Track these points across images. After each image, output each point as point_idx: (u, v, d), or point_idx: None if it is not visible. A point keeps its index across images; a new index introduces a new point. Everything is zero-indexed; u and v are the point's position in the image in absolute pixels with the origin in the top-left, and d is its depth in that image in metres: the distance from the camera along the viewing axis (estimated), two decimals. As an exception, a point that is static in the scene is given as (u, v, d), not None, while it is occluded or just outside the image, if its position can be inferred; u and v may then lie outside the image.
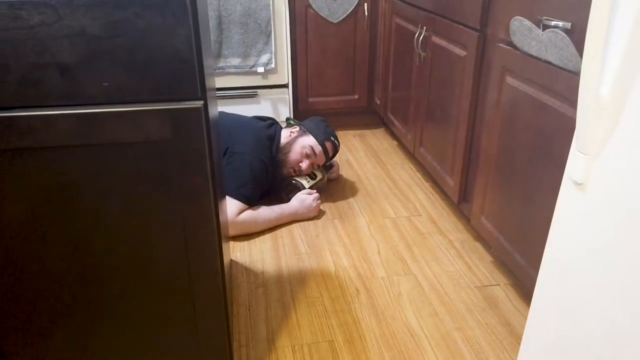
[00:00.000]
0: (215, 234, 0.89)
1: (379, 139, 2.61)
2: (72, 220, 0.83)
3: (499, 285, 1.52)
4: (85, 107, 0.76)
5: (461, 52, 1.58)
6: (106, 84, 0.75)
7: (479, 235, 1.75)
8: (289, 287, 1.50)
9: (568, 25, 1.05)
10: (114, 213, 0.83)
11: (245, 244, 1.71)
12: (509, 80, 1.31)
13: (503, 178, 1.39)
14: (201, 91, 0.79)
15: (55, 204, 0.81)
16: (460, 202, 1.71)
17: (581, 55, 1.03)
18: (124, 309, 0.92)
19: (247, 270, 1.58)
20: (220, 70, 2.34)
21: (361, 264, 1.61)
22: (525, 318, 1.38)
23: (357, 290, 1.49)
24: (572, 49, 1.05)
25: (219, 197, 0.95)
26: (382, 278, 1.54)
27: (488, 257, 1.65)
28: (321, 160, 1.93)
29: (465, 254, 1.66)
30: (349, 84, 2.57)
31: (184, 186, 0.83)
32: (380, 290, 1.49)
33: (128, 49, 0.74)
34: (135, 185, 0.82)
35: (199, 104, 0.78)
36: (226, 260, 1.50)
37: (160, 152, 0.80)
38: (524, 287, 1.46)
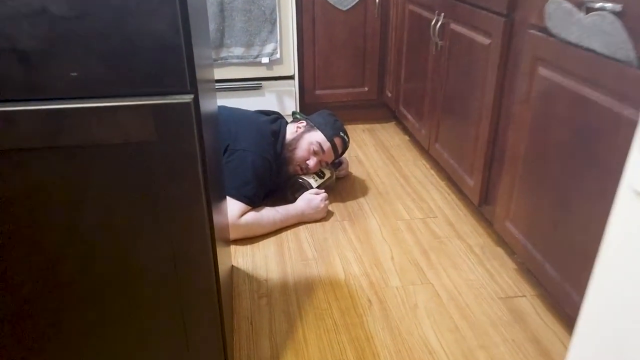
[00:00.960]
0: (208, 248, 0.77)
1: (389, 133, 2.47)
2: (41, 236, 0.70)
3: (525, 296, 1.39)
4: (51, 102, 0.64)
5: (484, 40, 1.44)
6: (75, 74, 0.62)
7: (500, 240, 1.62)
8: (294, 297, 1.38)
9: (618, 7, 0.91)
10: (90, 226, 0.71)
11: (247, 248, 1.59)
12: (542, 71, 1.17)
13: (533, 179, 1.25)
14: (191, 83, 0.66)
15: (20, 217, 0.68)
16: (480, 204, 1.57)
17: (635, 42, 0.88)
18: (105, 333, 0.80)
19: (250, 278, 1.46)
20: (222, 61, 2.21)
21: (373, 271, 1.48)
22: (556, 334, 1.25)
23: (369, 301, 1.36)
24: (622, 34, 0.90)
25: (213, 205, 0.82)
26: (396, 287, 1.42)
27: (511, 264, 1.52)
28: (330, 157, 1.80)
29: (486, 261, 1.53)
30: (358, 75, 2.43)
31: (172, 195, 0.70)
32: (395, 301, 1.36)
33: (101, 32, 0.61)
34: (114, 194, 0.69)
35: (188, 98, 0.65)
36: (226, 267, 1.38)
37: (142, 156, 0.67)
38: (554, 300, 1.33)
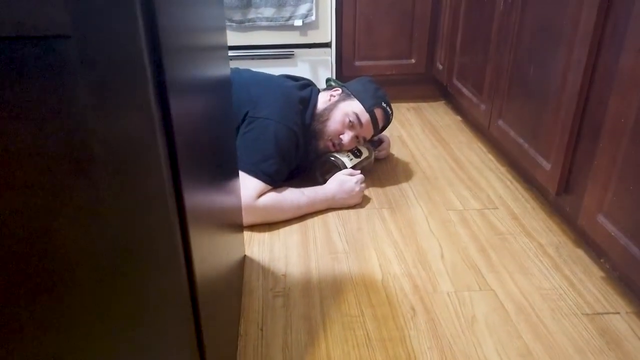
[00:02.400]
0: (173, 236, 0.49)
1: (438, 113, 2.15)
2: None
3: (618, 313, 1.06)
4: None
5: (577, -22, 1.11)
6: None
7: (582, 239, 1.28)
8: (318, 300, 1.10)
9: None
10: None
11: (265, 235, 1.32)
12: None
13: (646, 159, 0.92)
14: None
15: None
16: (559, 192, 1.24)
17: None
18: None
19: (265, 272, 1.19)
20: (249, 24, 1.94)
21: (418, 272, 1.18)
22: (669, 370, 0.92)
23: (413, 309, 1.07)
24: None
25: (193, 174, 0.54)
26: (447, 293, 1.11)
27: (597, 271, 1.18)
28: (368, 132, 1.50)
29: (564, 265, 1.20)
30: (405, 44, 2.11)
31: (109, 151, 0.43)
32: (446, 312, 1.06)
33: None
34: (14, 139, 0.42)
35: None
36: (238, 256, 1.11)
37: (53, 62, 0.40)
38: (663, 322, 1.00)
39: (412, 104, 2.24)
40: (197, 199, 0.58)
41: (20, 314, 0.49)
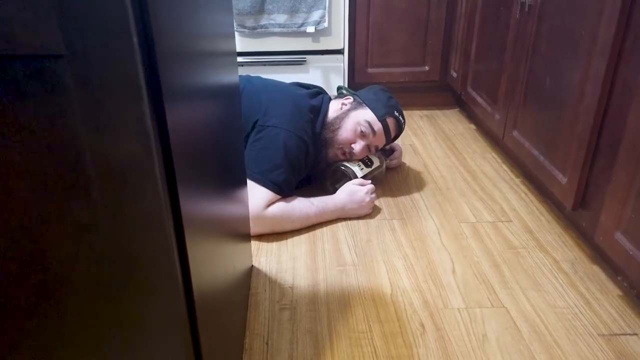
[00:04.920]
0: (169, 250, 0.48)
1: (452, 121, 2.11)
2: None
3: (636, 334, 1.02)
4: None
5: (597, -12, 1.08)
6: None
7: (599, 256, 1.24)
8: (325, 313, 1.08)
9: None
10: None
11: (273, 245, 1.30)
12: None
13: (667, 176, 0.88)
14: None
15: None
16: (575, 207, 1.20)
17: None
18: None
19: (272, 283, 1.17)
20: (262, 30, 1.93)
21: (428, 287, 1.15)
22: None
23: (422, 326, 1.04)
24: None
25: (192, 182, 0.53)
26: (458, 310, 1.08)
27: (614, 289, 1.14)
28: (380, 141, 1.48)
29: (579, 282, 1.17)
30: (418, 51, 2.08)
31: (102, 161, 0.42)
32: (457, 329, 1.03)
33: None
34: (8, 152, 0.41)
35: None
36: (245, 267, 1.09)
37: (48, 80, 0.38)
38: (684, 346, 0.96)
39: (425, 112, 2.21)
40: (197, 213, 0.56)
41: (15, 334, 0.48)
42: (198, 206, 0.57)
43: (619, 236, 1.02)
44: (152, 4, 0.39)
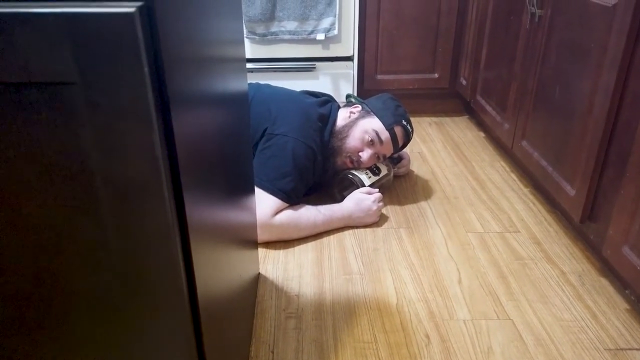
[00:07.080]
0: (175, 261, 0.49)
1: (461, 128, 2.11)
2: None
3: (643, 350, 1.02)
4: None
5: (607, 1, 1.07)
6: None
7: (607, 269, 1.24)
8: (330, 323, 1.08)
9: None
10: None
11: (280, 253, 1.31)
12: None
13: (675, 192, 0.88)
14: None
15: None
16: (583, 220, 1.20)
17: None
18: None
19: (278, 291, 1.18)
20: (272, 37, 1.94)
21: (434, 297, 1.16)
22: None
23: (428, 337, 1.04)
24: None
25: (201, 193, 0.54)
26: (464, 321, 1.09)
27: (621, 302, 1.14)
28: (388, 149, 1.49)
29: (586, 295, 1.16)
30: (428, 59, 2.08)
31: (110, 177, 0.43)
32: (462, 341, 1.03)
33: None
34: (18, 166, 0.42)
35: (130, 7, 0.37)
36: (252, 274, 1.10)
37: (57, 106, 0.40)
38: (692, 362, 0.95)
39: (434, 119, 2.21)
40: (204, 225, 0.58)
41: (26, 347, 0.50)
42: (205, 218, 0.58)
43: (626, 250, 1.02)
44: (163, 33, 0.40)
